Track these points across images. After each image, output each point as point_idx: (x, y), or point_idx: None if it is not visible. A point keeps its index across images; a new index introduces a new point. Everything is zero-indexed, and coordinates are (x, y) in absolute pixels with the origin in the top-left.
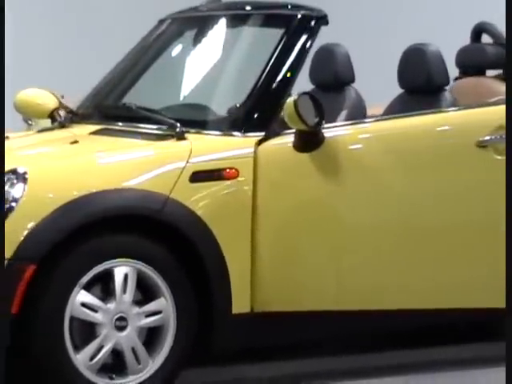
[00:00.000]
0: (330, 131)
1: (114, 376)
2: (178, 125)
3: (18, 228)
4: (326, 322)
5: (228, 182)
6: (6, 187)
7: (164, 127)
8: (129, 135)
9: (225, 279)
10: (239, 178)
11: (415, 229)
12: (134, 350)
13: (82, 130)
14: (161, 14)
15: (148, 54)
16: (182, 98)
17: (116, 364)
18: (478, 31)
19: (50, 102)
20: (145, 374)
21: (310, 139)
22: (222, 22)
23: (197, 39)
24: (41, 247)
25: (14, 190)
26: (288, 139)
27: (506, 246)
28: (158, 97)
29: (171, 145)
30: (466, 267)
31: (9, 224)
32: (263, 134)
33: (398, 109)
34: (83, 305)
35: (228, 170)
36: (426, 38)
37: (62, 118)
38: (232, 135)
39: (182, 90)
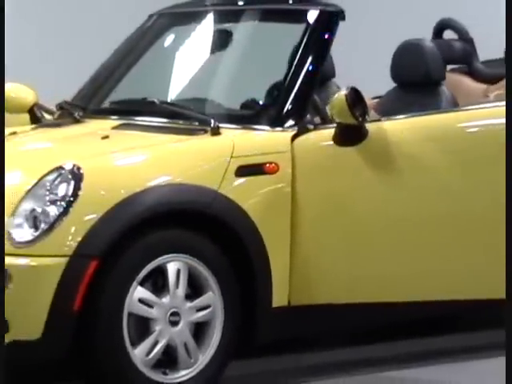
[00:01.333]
0: (373, 125)
1: (167, 371)
2: (212, 120)
3: (78, 224)
4: (359, 314)
5: (269, 177)
6: (60, 183)
7: (195, 122)
8: (158, 130)
9: (268, 273)
10: (279, 173)
11: (451, 222)
12: (185, 345)
13: (100, 124)
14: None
15: (156, 48)
16: (206, 94)
17: (168, 359)
18: (440, 28)
19: (28, 97)
20: (196, 369)
21: (353, 133)
22: (241, 17)
23: (217, 35)
24: (102, 243)
25: (71, 187)
26: (324, 133)
27: (506, 244)
28: (175, 91)
29: (212, 140)
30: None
31: (68, 220)
32: (296, 128)
33: (394, 103)
34: (140, 300)
35: (269, 165)
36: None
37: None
38: (267, 130)
39: (207, 84)
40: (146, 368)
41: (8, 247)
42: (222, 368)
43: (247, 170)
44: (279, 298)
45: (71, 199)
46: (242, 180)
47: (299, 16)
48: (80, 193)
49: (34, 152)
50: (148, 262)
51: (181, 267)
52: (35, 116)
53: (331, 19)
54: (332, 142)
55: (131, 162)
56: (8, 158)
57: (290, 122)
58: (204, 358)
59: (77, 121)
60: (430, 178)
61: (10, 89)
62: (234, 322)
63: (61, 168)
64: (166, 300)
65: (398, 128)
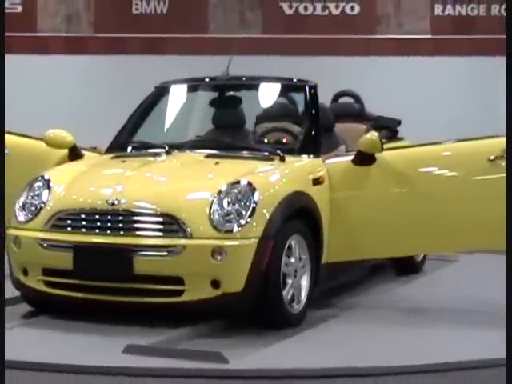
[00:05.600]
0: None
1: (292, 304)
2: (279, 151)
3: (260, 219)
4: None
5: (322, 186)
6: (243, 192)
7: (265, 153)
8: (245, 158)
9: (323, 243)
10: (325, 184)
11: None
12: (299, 290)
13: (189, 155)
14: None
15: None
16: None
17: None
18: (338, 96)
19: (67, 137)
20: (302, 302)
21: (368, 159)
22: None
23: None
24: (273, 230)
25: (254, 196)
26: (342, 159)
27: (506, 245)
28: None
29: (296, 162)
30: None
31: (255, 217)
32: (319, 155)
33: None
34: (285, 264)
35: (322, 178)
36: None
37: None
38: (309, 158)
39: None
40: (285, 302)
41: (222, 234)
42: (310, 303)
43: (315, 182)
44: (324, 257)
45: (254, 205)
46: (315, 187)
47: (300, 88)
48: (259, 199)
49: (185, 171)
50: (288, 241)
51: (297, 242)
52: (74, 152)
53: (315, 89)
54: (351, 163)
55: (274, 177)
56: (161, 176)
57: (318, 153)
58: (304, 297)
59: (169, 153)
60: (412, 185)
61: (50, 131)
62: (314, 273)
63: (237, 182)
64: (293, 263)
65: (393, 156)
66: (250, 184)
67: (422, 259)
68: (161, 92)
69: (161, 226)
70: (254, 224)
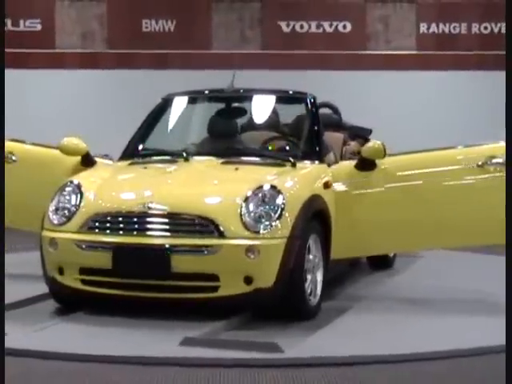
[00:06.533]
0: (379, 161)
1: (310, 297)
2: (291, 158)
3: (287, 220)
4: None
5: (329, 189)
6: (269, 196)
7: (277, 160)
8: (259, 164)
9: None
10: (332, 187)
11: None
12: (315, 284)
13: (206, 161)
14: None
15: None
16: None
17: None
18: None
19: (79, 145)
20: (317, 297)
21: (370, 164)
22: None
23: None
24: (300, 230)
25: (280, 199)
26: (344, 164)
27: (506, 248)
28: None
29: (306, 168)
30: None
31: (282, 218)
32: (324, 161)
33: None
34: (306, 261)
35: (329, 182)
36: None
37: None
38: (316, 163)
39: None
40: (307, 293)
41: (254, 234)
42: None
43: (325, 185)
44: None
45: (281, 207)
46: (325, 190)
47: (300, 99)
48: (284, 201)
49: (210, 176)
50: (309, 239)
51: (313, 241)
52: (87, 159)
53: (315, 100)
54: (354, 169)
55: (293, 181)
56: (186, 179)
57: (321, 159)
58: (318, 290)
59: (186, 159)
60: (410, 188)
61: (65, 139)
62: (325, 268)
63: (262, 187)
64: (311, 259)
65: (393, 162)
66: (274, 188)
67: (393, 256)
68: (166, 103)
69: (197, 227)
70: (283, 225)
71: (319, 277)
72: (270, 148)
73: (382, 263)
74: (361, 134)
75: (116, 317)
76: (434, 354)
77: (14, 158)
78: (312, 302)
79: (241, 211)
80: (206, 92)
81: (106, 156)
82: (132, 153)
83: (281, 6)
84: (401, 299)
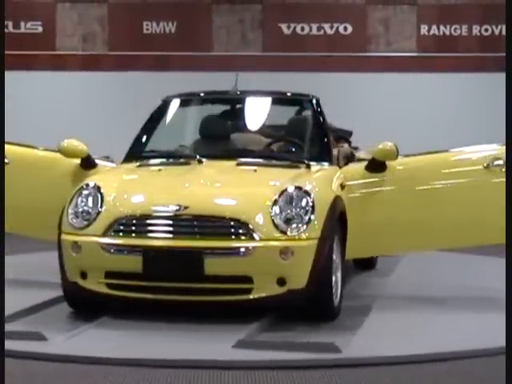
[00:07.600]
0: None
1: (334, 298)
2: (305, 159)
3: (317, 222)
4: None
5: (344, 190)
6: (298, 198)
7: (292, 162)
8: (274, 166)
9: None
10: (345, 188)
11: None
12: (337, 285)
13: (221, 163)
14: None
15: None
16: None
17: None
18: None
19: (79, 146)
20: (338, 298)
21: (381, 166)
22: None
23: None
24: (329, 231)
25: (309, 201)
26: (355, 166)
27: (506, 248)
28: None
29: (321, 170)
30: None
31: (313, 220)
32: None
33: None
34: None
35: (344, 184)
36: None
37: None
38: (328, 165)
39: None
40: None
41: (287, 236)
42: None
43: (341, 186)
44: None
45: (311, 208)
46: (341, 191)
47: (303, 101)
48: (313, 203)
49: (231, 178)
50: (334, 240)
51: (336, 242)
52: (88, 161)
53: (319, 102)
54: (365, 170)
55: (317, 183)
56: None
57: (331, 161)
58: (339, 289)
59: (200, 161)
60: (420, 189)
61: (65, 141)
62: (342, 269)
63: (286, 190)
64: (335, 260)
65: (404, 163)
66: (300, 189)
67: (376, 257)
68: (166, 105)
69: (229, 230)
70: (313, 226)
71: (339, 277)
72: (275, 150)
73: (366, 263)
74: (343, 136)
75: (141, 321)
76: (434, 356)
77: (6, 160)
78: (335, 303)
79: (271, 213)
80: (198, 94)
81: (106, 158)
82: (138, 155)
83: (282, 8)
84: (401, 299)
